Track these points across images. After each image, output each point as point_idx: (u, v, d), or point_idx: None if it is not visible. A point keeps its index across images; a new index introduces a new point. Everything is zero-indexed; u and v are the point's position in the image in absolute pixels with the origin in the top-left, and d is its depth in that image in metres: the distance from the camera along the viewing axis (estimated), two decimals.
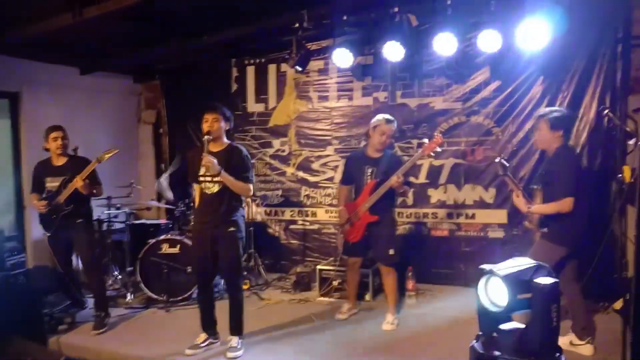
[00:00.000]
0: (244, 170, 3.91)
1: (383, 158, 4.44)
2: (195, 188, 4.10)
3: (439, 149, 4.36)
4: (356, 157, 4.67)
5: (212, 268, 4.01)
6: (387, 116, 4.45)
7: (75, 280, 5.00)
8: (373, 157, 4.47)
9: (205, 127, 3.90)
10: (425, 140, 4.32)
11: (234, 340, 3.94)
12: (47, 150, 4.63)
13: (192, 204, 5.59)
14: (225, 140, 4.02)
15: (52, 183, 4.59)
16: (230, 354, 3.86)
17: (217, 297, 5.24)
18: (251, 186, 3.97)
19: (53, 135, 4.53)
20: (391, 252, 4.41)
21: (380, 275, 4.73)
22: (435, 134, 4.44)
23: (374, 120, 4.49)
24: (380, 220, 4.39)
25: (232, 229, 3.90)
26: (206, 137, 3.84)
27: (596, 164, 5.00)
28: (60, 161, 4.62)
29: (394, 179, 4.18)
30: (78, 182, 4.37)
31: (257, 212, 6.45)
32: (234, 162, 3.88)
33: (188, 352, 3.96)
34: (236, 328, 4.00)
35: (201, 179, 3.94)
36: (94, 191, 4.62)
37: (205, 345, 4.05)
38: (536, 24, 4.20)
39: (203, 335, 4.08)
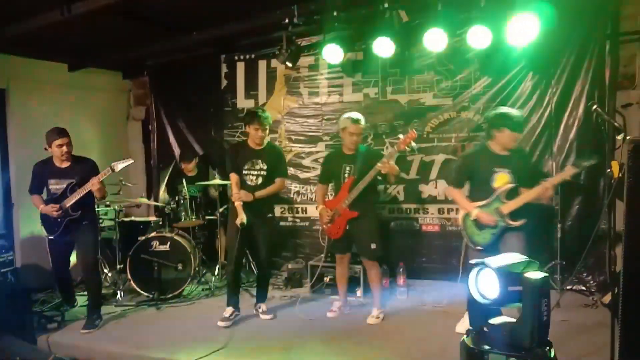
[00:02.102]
0: (281, 167, 4.68)
1: (359, 154, 4.48)
2: (235, 178, 4.53)
3: (414, 144, 4.33)
4: (333, 156, 4.74)
5: (244, 253, 4.83)
6: (353, 115, 4.46)
7: (68, 279, 4.95)
8: (349, 154, 4.52)
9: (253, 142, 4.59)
10: (401, 136, 4.33)
11: (264, 306, 4.79)
12: (46, 150, 4.51)
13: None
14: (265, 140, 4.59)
15: (56, 185, 4.52)
16: (265, 317, 4.68)
17: (207, 295, 5.30)
18: (285, 181, 4.76)
19: (58, 142, 4.39)
20: (373, 246, 4.46)
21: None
22: (410, 129, 4.45)
23: (340, 122, 4.54)
24: (362, 215, 4.42)
25: (270, 215, 4.69)
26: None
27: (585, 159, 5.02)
28: (64, 163, 4.54)
29: (380, 166, 4.21)
30: (95, 186, 4.35)
31: None
32: (275, 160, 4.60)
33: (220, 324, 4.44)
34: (265, 297, 4.85)
35: (245, 172, 4.52)
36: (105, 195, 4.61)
37: (233, 317, 4.54)
38: (525, 19, 4.22)
39: (230, 309, 4.56)
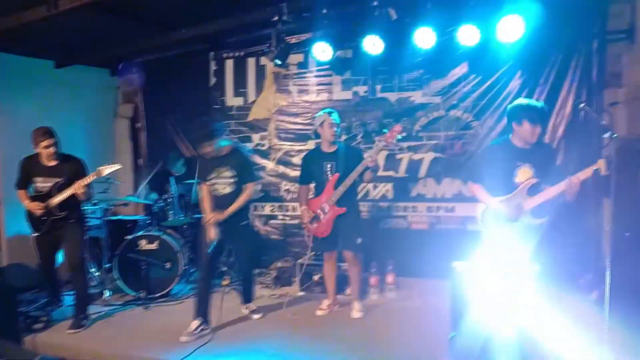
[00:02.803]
0: (249, 172, 4.46)
1: (339, 151, 4.49)
2: (203, 188, 4.42)
3: (399, 136, 4.33)
4: (313, 155, 4.71)
5: (217, 259, 4.56)
6: (327, 109, 4.58)
7: (54, 278, 4.90)
8: (329, 152, 4.52)
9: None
10: (385, 130, 4.34)
11: (253, 305, 4.76)
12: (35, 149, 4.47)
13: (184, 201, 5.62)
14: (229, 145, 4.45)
15: (43, 183, 4.48)
16: (255, 315, 4.66)
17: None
18: (254, 186, 4.49)
19: (44, 143, 4.34)
20: (359, 240, 4.51)
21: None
22: (395, 125, 4.42)
23: (317, 118, 4.57)
24: (347, 210, 4.45)
25: (244, 222, 4.48)
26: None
27: (572, 157, 5.07)
28: (51, 162, 4.49)
29: (368, 160, 4.24)
30: (79, 189, 4.32)
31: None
32: (242, 166, 4.37)
33: (183, 339, 4.10)
34: (251, 297, 4.81)
35: (212, 181, 4.34)
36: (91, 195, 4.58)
37: (198, 332, 4.19)
38: (514, 18, 4.24)
39: (196, 322, 4.23)
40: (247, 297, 4.78)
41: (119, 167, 4.56)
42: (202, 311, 4.28)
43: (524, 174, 3.66)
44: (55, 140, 4.40)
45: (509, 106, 3.78)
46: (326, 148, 4.54)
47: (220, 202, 4.35)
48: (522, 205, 3.63)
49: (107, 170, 4.43)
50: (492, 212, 3.76)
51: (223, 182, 4.35)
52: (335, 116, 4.49)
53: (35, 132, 4.39)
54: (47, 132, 4.38)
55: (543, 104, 3.63)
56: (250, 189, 4.38)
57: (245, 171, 4.40)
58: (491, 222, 3.77)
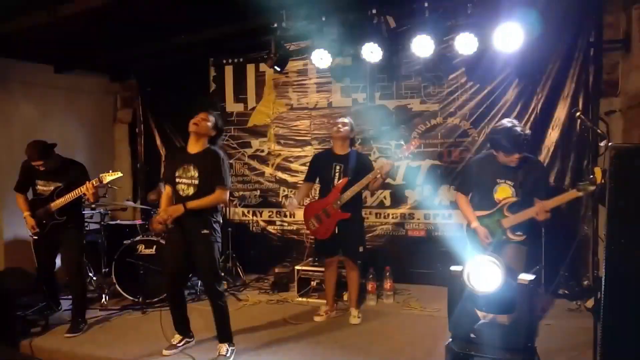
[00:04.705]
0: (217, 175, 3.76)
1: (350, 156, 4.50)
2: (167, 189, 3.96)
3: (414, 150, 4.41)
4: (323, 155, 4.73)
5: (184, 272, 4.00)
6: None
7: (52, 282, 4.89)
8: (340, 155, 4.53)
9: (191, 123, 3.83)
10: (402, 142, 4.37)
11: (224, 348, 3.84)
12: None
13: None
14: (206, 143, 3.88)
15: (44, 187, 4.49)
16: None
17: (193, 298, 5.26)
18: (224, 193, 3.80)
19: (35, 163, 4.34)
20: (361, 249, 4.53)
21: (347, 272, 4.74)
22: (412, 138, 4.45)
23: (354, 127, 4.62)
24: (351, 217, 4.44)
25: (205, 231, 3.77)
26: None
27: (568, 166, 5.11)
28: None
29: (379, 170, 4.26)
30: (90, 190, 4.31)
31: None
32: (209, 167, 3.76)
33: (165, 353, 3.95)
34: (224, 335, 3.90)
35: (177, 180, 3.81)
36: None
37: (182, 345, 4.03)
38: (511, 27, 4.28)
39: (178, 336, 4.06)
40: (218, 333, 3.92)
41: (121, 175, 4.57)
42: (181, 328, 4.05)
43: (503, 192, 3.67)
44: (45, 161, 4.35)
45: (490, 132, 3.78)
46: (338, 150, 4.55)
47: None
48: (501, 223, 3.67)
49: (108, 177, 4.43)
50: (470, 231, 3.81)
51: (187, 182, 3.78)
52: (346, 119, 4.55)
53: (29, 147, 4.34)
54: (37, 153, 4.31)
55: (521, 132, 3.49)
56: (217, 193, 3.75)
57: (214, 173, 3.75)
58: (472, 237, 3.82)
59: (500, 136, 3.54)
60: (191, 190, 3.77)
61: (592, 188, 3.33)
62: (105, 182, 4.42)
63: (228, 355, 3.82)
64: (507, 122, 3.61)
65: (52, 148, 4.43)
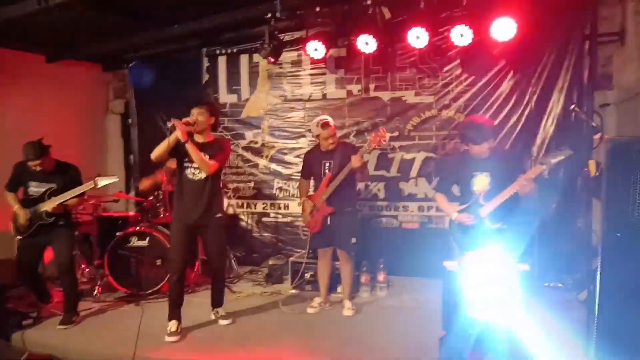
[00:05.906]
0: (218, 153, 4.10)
1: (336, 151, 4.51)
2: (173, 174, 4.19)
3: (384, 143, 4.38)
4: (314, 152, 4.76)
5: (190, 256, 4.23)
6: (320, 120, 4.52)
7: (36, 280, 4.82)
8: (327, 151, 4.56)
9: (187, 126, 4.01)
10: (366, 134, 4.36)
11: (222, 310, 4.44)
12: None
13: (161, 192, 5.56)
14: (210, 132, 4.19)
15: (36, 188, 4.43)
16: (223, 322, 4.37)
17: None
18: (215, 166, 4.06)
19: (32, 163, 4.29)
20: (353, 240, 4.53)
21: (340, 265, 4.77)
22: (380, 127, 4.46)
23: (312, 130, 4.63)
24: (341, 210, 4.48)
25: (219, 215, 4.19)
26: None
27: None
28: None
29: (353, 165, 4.24)
30: (72, 201, 4.36)
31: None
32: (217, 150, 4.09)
33: (170, 339, 4.04)
34: (221, 301, 4.47)
35: (186, 164, 4.07)
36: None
37: (180, 331, 4.13)
38: (506, 19, 4.26)
39: (175, 322, 4.15)
40: (215, 301, 4.48)
41: (117, 179, 4.54)
42: (176, 315, 4.18)
43: (480, 182, 3.76)
44: (42, 160, 4.30)
45: (459, 127, 3.90)
46: (324, 147, 4.57)
47: (195, 188, 4.10)
48: (479, 212, 3.70)
49: (103, 181, 4.40)
50: (455, 222, 3.85)
51: (197, 165, 4.04)
52: (329, 129, 4.46)
53: (25, 147, 4.29)
54: (34, 153, 4.27)
55: (484, 122, 3.75)
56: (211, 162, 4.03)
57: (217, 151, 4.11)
58: (456, 231, 3.87)
59: (466, 130, 3.77)
60: (203, 174, 4.07)
61: (555, 160, 3.40)
62: (99, 185, 4.40)
63: (226, 315, 4.40)
64: (472, 116, 3.87)
65: (47, 148, 4.38)
